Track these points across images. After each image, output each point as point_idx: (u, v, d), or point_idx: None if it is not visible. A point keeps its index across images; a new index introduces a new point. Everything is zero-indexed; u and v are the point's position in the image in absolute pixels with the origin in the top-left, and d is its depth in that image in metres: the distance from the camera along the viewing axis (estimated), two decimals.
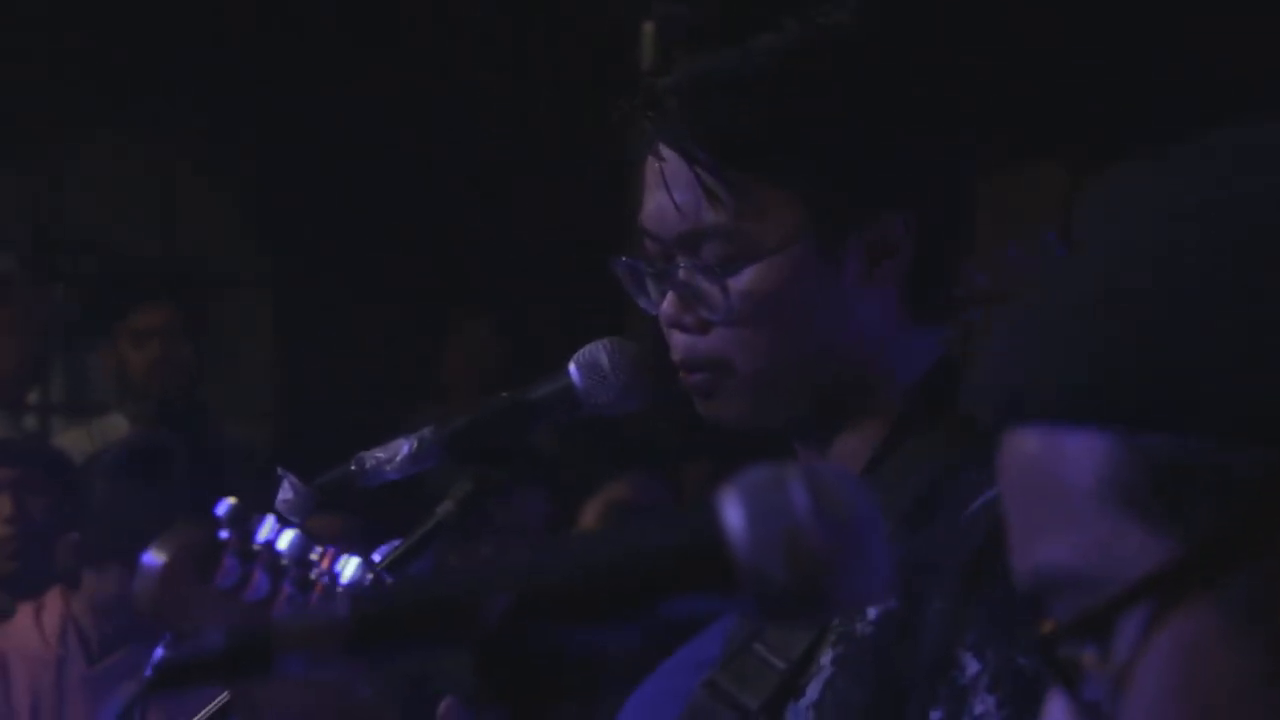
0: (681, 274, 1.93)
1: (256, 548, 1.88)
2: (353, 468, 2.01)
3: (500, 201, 6.84)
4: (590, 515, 4.54)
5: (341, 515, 4.02)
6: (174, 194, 7.11)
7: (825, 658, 1.84)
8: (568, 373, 2.06)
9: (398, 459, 2.02)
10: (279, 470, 1.99)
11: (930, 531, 1.87)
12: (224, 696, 1.89)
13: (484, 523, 3.80)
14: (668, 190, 1.92)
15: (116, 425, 5.51)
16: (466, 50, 6.81)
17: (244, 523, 1.90)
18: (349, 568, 1.83)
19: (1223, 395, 0.92)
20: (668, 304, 1.95)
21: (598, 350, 2.07)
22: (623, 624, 1.01)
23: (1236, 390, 0.91)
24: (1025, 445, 0.99)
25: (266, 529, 1.89)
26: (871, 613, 1.84)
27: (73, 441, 5.42)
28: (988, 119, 2.09)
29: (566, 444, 4.71)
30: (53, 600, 4.57)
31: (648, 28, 5.60)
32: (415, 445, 2.02)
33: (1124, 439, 0.93)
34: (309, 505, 1.99)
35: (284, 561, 1.86)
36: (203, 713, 1.90)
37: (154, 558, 1.91)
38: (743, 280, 1.91)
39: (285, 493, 1.99)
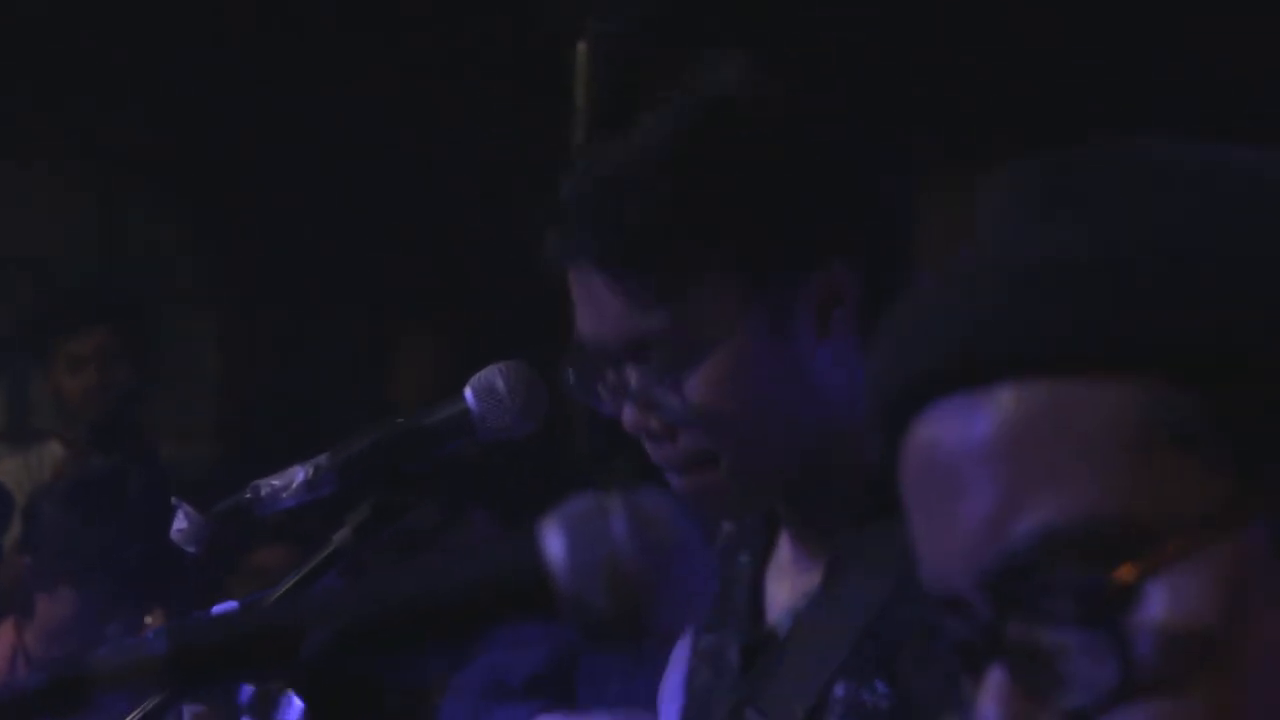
0: (634, 385, 1.87)
1: None
2: (248, 496, 2.03)
3: (446, 219, 6.86)
4: None
5: (287, 546, 4.03)
6: (113, 212, 7.11)
7: None
8: (463, 397, 2.08)
9: (293, 486, 2.04)
10: (173, 500, 2.01)
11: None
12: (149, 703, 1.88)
13: (438, 543, 3.81)
14: (596, 304, 1.86)
15: (54, 452, 5.51)
16: (416, 74, 6.83)
17: (266, 709, 1.92)
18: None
19: (1270, 337, 0.93)
20: (628, 414, 1.89)
21: (493, 374, 2.08)
22: (447, 651, 1.03)
23: (1275, 331, 0.94)
24: (1035, 393, 0.96)
25: (284, 707, 1.92)
26: (881, 686, 1.80)
27: (10, 469, 5.42)
28: (908, 140, 2.05)
29: (518, 463, 4.72)
30: (4, 631, 4.57)
31: (580, 48, 5.63)
32: (311, 472, 2.04)
33: (1172, 379, 0.94)
34: (203, 534, 2.01)
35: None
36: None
37: None
38: (696, 380, 1.85)
39: (180, 522, 2.01)
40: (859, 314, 1.86)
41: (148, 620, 4.11)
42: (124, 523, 4.22)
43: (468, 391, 2.07)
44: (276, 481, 2.04)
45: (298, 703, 1.86)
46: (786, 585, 1.93)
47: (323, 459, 2.04)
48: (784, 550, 1.95)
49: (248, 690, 1.90)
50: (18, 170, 6.90)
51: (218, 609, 1.83)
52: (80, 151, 6.88)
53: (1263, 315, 0.95)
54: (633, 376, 1.88)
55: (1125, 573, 0.92)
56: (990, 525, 0.96)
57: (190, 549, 1.98)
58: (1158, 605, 0.93)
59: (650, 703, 2.07)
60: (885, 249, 1.87)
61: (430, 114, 6.71)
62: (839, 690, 1.83)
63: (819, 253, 1.84)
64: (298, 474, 2.04)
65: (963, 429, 0.97)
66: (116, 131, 6.78)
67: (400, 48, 6.74)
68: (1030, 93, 5.74)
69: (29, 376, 6.26)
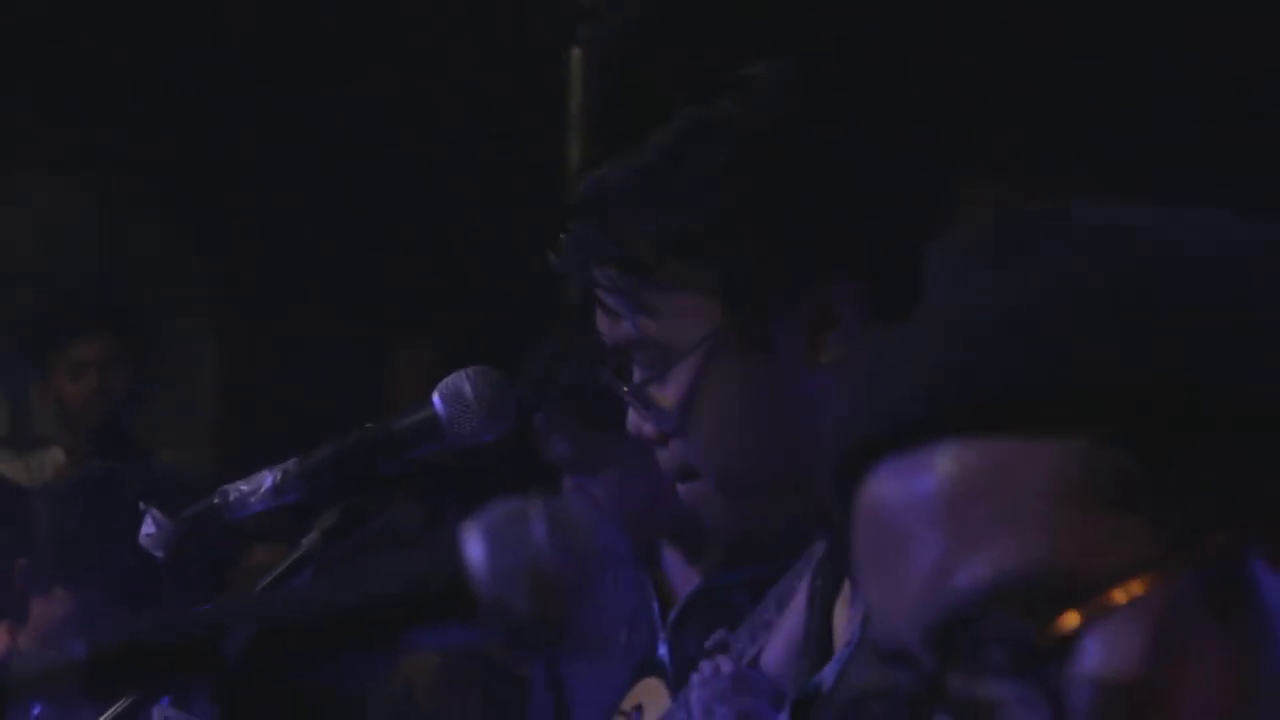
0: (628, 389, 1.91)
1: None
2: (216, 500, 2.05)
3: (445, 221, 6.87)
4: None
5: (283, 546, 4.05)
6: (112, 216, 7.13)
7: None
8: (431, 403, 2.10)
9: (261, 490, 2.06)
10: (141, 505, 2.03)
11: None
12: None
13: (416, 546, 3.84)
14: (603, 313, 1.91)
15: (55, 458, 5.54)
16: (409, 79, 6.84)
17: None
18: None
19: (1197, 392, 0.96)
20: (631, 420, 1.92)
21: (461, 379, 2.10)
22: (367, 655, 1.05)
23: (1208, 385, 0.96)
24: (972, 453, 0.98)
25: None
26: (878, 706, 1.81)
27: (11, 475, 5.43)
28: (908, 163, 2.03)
29: (496, 466, 4.73)
30: None
31: (574, 54, 5.64)
32: (279, 477, 2.06)
33: (1106, 436, 0.96)
34: (171, 538, 2.03)
35: None
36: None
37: None
38: (677, 389, 1.87)
39: (148, 527, 2.02)
40: (856, 339, 1.84)
41: None
42: (120, 525, 4.24)
43: (435, 396, 2.09)
44: (245, 486, 2.05)
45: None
46: (845, 618, 1.92)
47: (291, 464, 2.06)
48: (847, 596, 1.94)
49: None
50: (16, 175, 6.92)
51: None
52: (79, 155, 6.89)
53: (1192, 375, 0.97)
54: (629, 384, 1.91)
55: (1059, 626, 0.95)
56: (933, 581, 0.99)
57: (158, 553, 2.00)
58: (1091, 657, 0.95)
59: None
60: (890, 275, 1.83)
61: (429, 116, 6.72)
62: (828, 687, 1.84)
63: (811, 278, 1.84)
64: (266, 479, 2.06)
65: (906, 489, 1.00)
66: (115, 134, 6.79)
67: (400, 48, 6.75)
68: (1031, 96, 5.74)
69: (29, 382, 6.28)
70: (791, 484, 1.84)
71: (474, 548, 1.06)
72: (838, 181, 1.87)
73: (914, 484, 1.00)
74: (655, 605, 2.89)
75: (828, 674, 1.88)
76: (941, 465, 0.99)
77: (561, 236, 1.91)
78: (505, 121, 6.48)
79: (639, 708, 2.80)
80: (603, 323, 1.91)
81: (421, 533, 4.22)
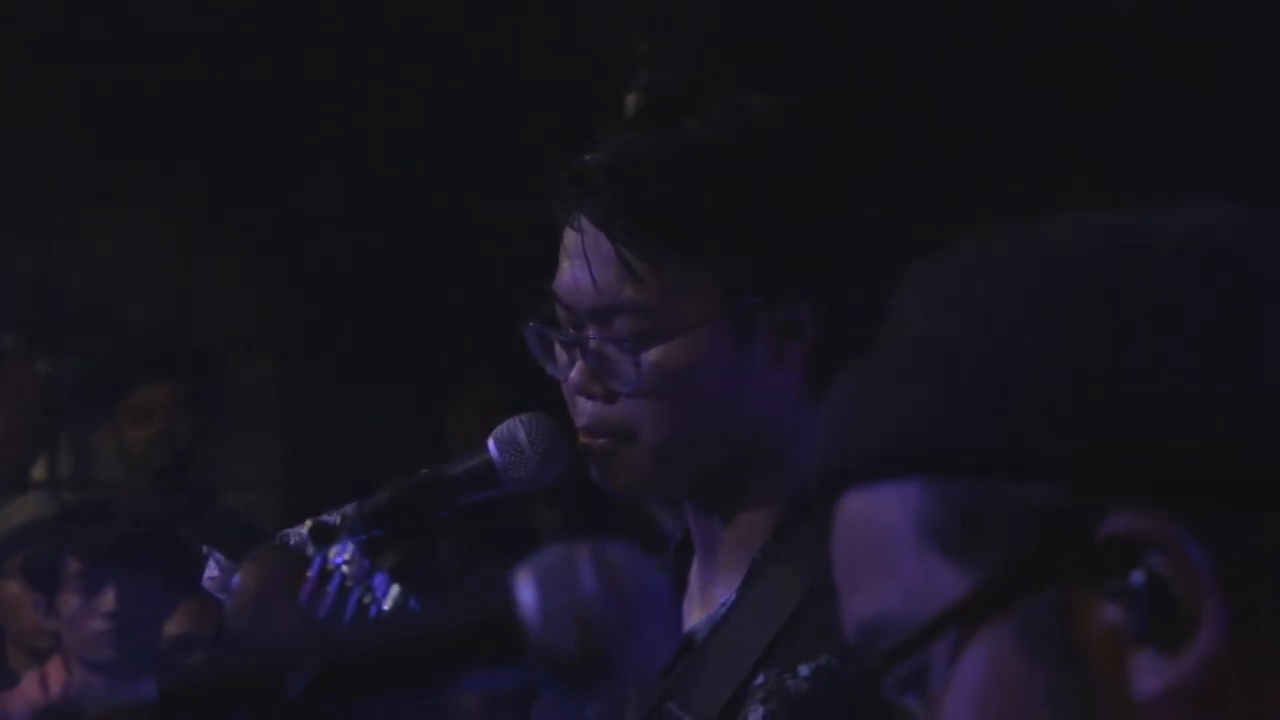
0: (593, 344, 2.00)
1: (331, 567, 2.00)
2: (275, 544, 2.10)
3: (504, 268, 6.93)
4: None
5: None
6: (179, 266, 7.21)
7: (754, 714, 1.91)
8: (486, 449, 2.15)
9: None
10: (204, 548, 2.08)
11: None
12: None
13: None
14: (587, 263, 1.99)
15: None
16: (471, 121, 6.91)
17: (325, 541, 2.02)
18: (391, 596, 1.96)
19: (1014, 441, 1.00)
20: (577, 373, 2.03)
21: (515, 426, 2.15)
22: (423, 696, 1.10)
23: (1025, 435, 1.00)
24: (850, 507, 1.07)
25: (336, 550, 2.01)
26: (804, 669, 1.91)
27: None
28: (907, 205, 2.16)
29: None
30: (55, 667, 4.66)
31: (630, 100, 5.69)
32: (337, 521, 2.11)
33: (932, 485, 1.02)
34: (232, 582, 2.08)
35: (349, 583, 1.98)
36: None
37: (246, 574, 2.02)
38: (655, 355, 1.98)
39: (211, 570, 2.08)
40: (813, 354, 2.00)
41: None
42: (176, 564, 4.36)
43: (490, 442, 2.14)
44: (304, 530, 2.10)
45: (349, 545, 1.96)
46: (698, 609, 2.05)
47: (349, 508, 2.11)
48: (694, 581, 2.08)
49: (309, 522, 2.02)
50: (83, 217, 7.00)
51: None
52: (147, 198, 6.97)
53: (1003, 428, 1.01)
54: (592, 337, 1.99)
55: (900, 669, 1.03)
56: (845, 617, 1.08)
57: (220, 596, 2.05)
58: (923, 709, 1.03)
59: None
60: (852, 301, 2.01)
61: (494, 158, 6.79)
62: (759, 679, 1.93)
63: (796, 285, 1.99)
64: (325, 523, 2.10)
65: (837, 520, 1.09)
66: (184, 178, 6.87)
67: (461, 93, 6.82)
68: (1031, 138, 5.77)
69: (94, 428, 6.35)
70: (718, 466, 2.00)
71: (525, 591, 1.11)
72: (836, 212, 2.02)
73: (839, 521, 1.08)
74: None
75: (700, 628, 2.00)
76: (839, 513, 1.08)
77: (590, 185, 1.99)
78: (553, 169, 6.51)
79: None
80: (588, 280, 1.99)
81: (460, 572, 4.28)
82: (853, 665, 1.82)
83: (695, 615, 2.04)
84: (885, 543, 1.04)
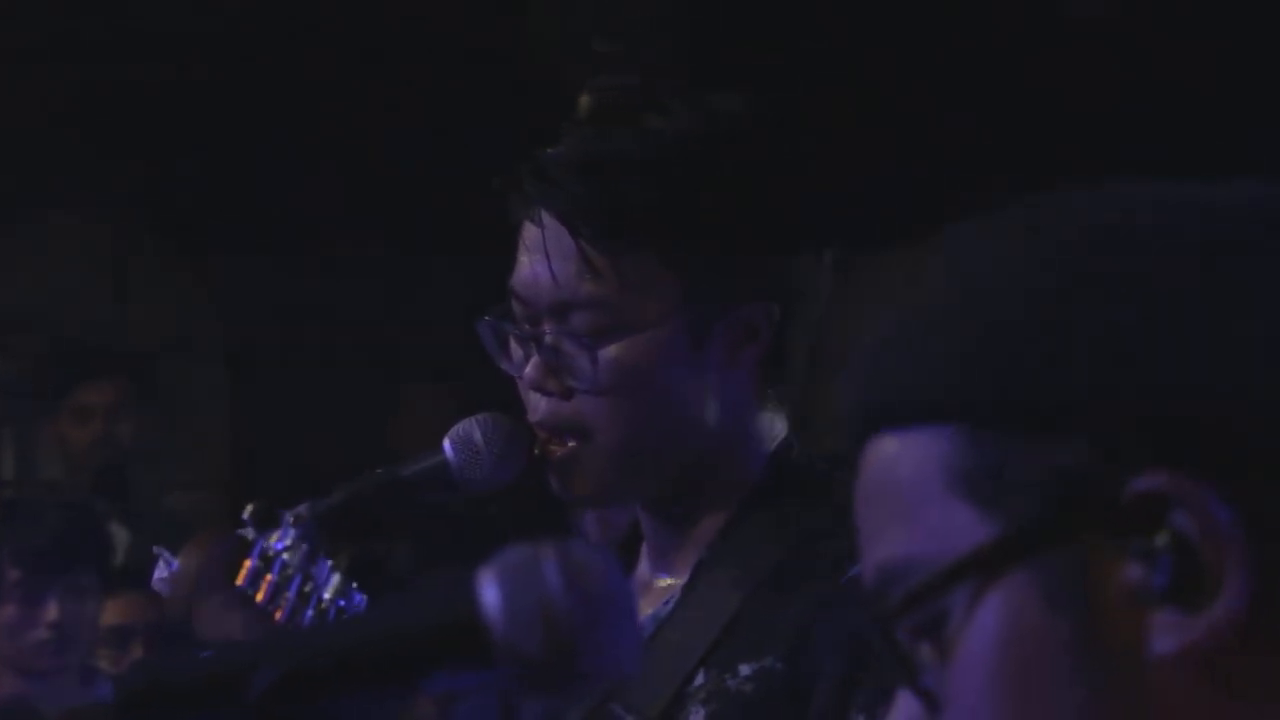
0: (549, 340, 2.00)
1: (272, 553, 1.98)
2: (215, 530, 2.08)
3: (449, 268, 6.91)
4: None
5: None
6: (121, 265, 7.16)
7: (695, 716, 1.91)
8: (442, 449, 2.13)
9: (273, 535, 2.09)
10: (154, 549, 2.06)
11: (805, 595, 1.94)
12: None
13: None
14: (546, 258, 1.99)
15: None
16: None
17: (267, 526, 1.99)
18: (332, 584, 1.94)
19: (1046, 396, 1.01)
20: (532, 368, 2.02)
21: (471, 426, 2.13)
22: (386, 695, 1.08)
23: (1057, 392, 1.01)
24: (879, 449, 1.07)
25: (278, 536, 1.99)
26: (745, 669, 1.91)
27: None
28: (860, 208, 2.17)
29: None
30: None
31: (584, 101, 5.67)
32: (290, 522, 2.09)
33: (965, 433, 1.02)
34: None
35: (290, 570, 1.96)
36: None
37: (185, 559, 2.00)
38: (612, 352, 1.97)
39: (161, 570, 2.06)
40: (766, 356, 2.00)
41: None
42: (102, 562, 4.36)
43: (446, 443, 2.12)
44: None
45: (290, 531, 1.94)
46: (645, 603, 2.05)
47: (302, 509, 2.09)
48: (643, 571, 2.08)
49: (251, 506, 2.00)
50: (29, 219, 6.95)
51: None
52: (90, 199, 6.92)
53: (1028, 378, 1.03)
54: (549, 333, 1.99)
55: (918, 613, 1.03)
56: (865, 559, 1.07)
57: (161, 586, 2.03)
58: (950, 642, 1.02)
59: None
60: (805, 306, 2.02)
61: (440, 161, 6.76)
62: (699, 679, 1.94)
63: (753, 286, 1.99)
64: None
65: (860, 472, 1.09)
66: (127, 179, 6.83)
67: (409, 97, 6.79)
68: (1018, 145, 5.79)
69: (37, 427, 6.31)
70: (670, 466, 2.00)
71: (490, 591, 1.09)
72: (797, 220, 2.03)
73: (866, 465, 1.08)
74: None
75: (644, 626, 2.00)
76: (866, 457, 1.08)
77: (554, 178, 1.99)
78: (517, 165, 6.49)
79: None
80: (546, 274, 1.98)
81: (413, 573, 4.26)
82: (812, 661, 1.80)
83: (642, 613, 2.04)
84: (912, 486, 1.04)
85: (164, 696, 1.03)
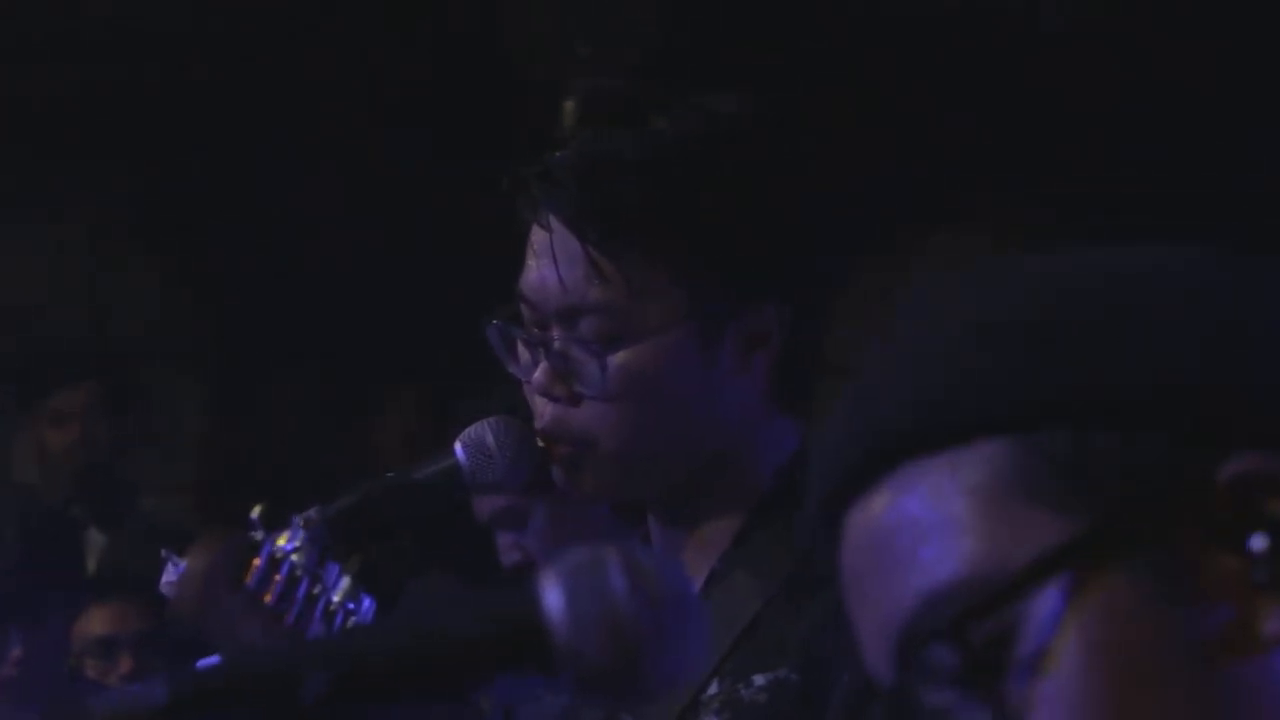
0: (558, 345, 1.96)
1: (280, 554, 1.95)
2: (223, 530, 2.05)
3: (428, 278, 6.88)
4: None
5: None
6: (98, 269, 7.12)
7: None
8: (453, 452, 2.10)
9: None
10: (163, 552, 2.02)
11: (818, 606, 1.90)
12: None
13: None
14: (554, 262, 1.96)
15: None
16: (398, 133, 6.85)
17: (275, 527, 1.96)
18: (341, 588, 1.91)
19: (1125, 393, 1.00)
20: (540, 373, 1.98)
21: (484, 429, 2.10)
22: (443, 702, 1.04)
23: (1136, 388, 1.00)
24: (906, 479, 1.03)
25: (286, 538, 1.96)
26: (759, 679, 1.88)
27: None
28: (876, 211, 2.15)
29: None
30: None
31: (568, 105, 5.65)
32: (299, 524, 2.05)
33: (1021, 442, 1.00)
34: None
35: (299, 572, 1.93)
36: None
37: (193, 559, 1.97)
38: (620, 358, 1.94)
39: (169, 574, 2.02)
40: (774, 363, 1.97)
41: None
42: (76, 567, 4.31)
43: (458, 446, 2.09)
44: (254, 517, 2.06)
45: (299, 532, 1.90)
46: None
47: (312, 512, 2.05)
48: None
49: (258, 508, 1.98)
50: (8, 223, 6.91)
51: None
52: (68, 203, 6.89)
53: (1093, 379, 1.01)
54: (557, 338, 1.95)
55: (988, 626, 0.99)
56: (892, 599, 1.03)
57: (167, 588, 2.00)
58: (1023, 652, 0.99)
59: None
60: (815, 309, 2.00)
61: (417, 168, 6.74)
62: (712, 688, 1.92)
63: (762, 291, 1.96)
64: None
65: (867, 514, 1.05)
66: (105, 182, 6.79)
67: (388, 107, 6.77)
68: (1022, 149, 5.79)
69: (12, 429, 6.26)
70: (681, 471, 1.97)
71: (552, 594, 1.05)
72: (803, 222, 2.00)
73: (872, 509, 1.04)
74: None
75: None
76: (893, 488, 1.04)
77: (561, 183, 1.96)
78: (494, 173, 6.47)
79: None
80: (555, 279, 1.95)
81: (407, 577, 4.22)
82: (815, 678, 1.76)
83: None
84: (957, 506, 1.01)
85: (215, 698, 0.99)
